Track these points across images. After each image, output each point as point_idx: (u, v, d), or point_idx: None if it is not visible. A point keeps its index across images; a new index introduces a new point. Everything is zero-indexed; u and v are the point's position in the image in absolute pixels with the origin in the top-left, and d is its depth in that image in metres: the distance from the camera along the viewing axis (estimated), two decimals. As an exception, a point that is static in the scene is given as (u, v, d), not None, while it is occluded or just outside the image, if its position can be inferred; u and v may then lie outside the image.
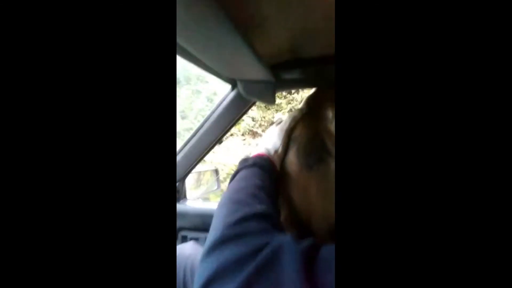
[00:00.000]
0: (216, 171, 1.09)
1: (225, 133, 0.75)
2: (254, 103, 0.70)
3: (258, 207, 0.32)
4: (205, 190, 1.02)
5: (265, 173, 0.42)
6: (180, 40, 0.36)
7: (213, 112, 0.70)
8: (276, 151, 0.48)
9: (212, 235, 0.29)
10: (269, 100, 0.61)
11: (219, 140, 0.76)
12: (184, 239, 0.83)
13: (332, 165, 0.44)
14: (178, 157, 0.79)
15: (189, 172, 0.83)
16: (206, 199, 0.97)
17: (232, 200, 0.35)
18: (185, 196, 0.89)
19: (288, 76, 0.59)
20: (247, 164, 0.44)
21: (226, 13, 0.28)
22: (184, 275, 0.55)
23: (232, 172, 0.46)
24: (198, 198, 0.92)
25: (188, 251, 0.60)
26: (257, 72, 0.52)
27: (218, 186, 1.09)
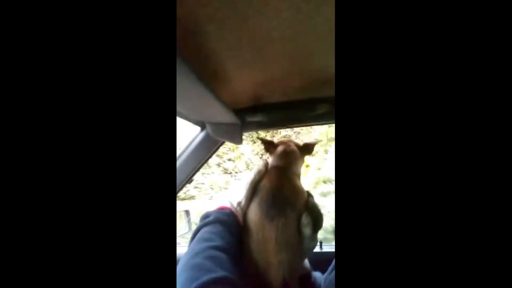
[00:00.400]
0: (187, 213, 1.06)
1: (195, 172, 0.76)
2: (222, 143, 0.73)
3: (218, 273, 0.33)
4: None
5: (226, 228, 0.44)
6: None
7: (182, 152, 0.72)
8: (239, 203, 0.50)
9: None
10: (236, 140, 0.65)
11: (189, 180, 0.76)
12: None
13: (292, 217, 0.47)
14: None
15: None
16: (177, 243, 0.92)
17: (191, 266, 0.35)
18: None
19: (253, 118, 0.64)
20: (208, 220, 0.45)
21: (189, 67, 0.32)
22: None
23: None
24: None
25: None
26: (223, 115, 0.57)
27: (189, 229, 1.04)
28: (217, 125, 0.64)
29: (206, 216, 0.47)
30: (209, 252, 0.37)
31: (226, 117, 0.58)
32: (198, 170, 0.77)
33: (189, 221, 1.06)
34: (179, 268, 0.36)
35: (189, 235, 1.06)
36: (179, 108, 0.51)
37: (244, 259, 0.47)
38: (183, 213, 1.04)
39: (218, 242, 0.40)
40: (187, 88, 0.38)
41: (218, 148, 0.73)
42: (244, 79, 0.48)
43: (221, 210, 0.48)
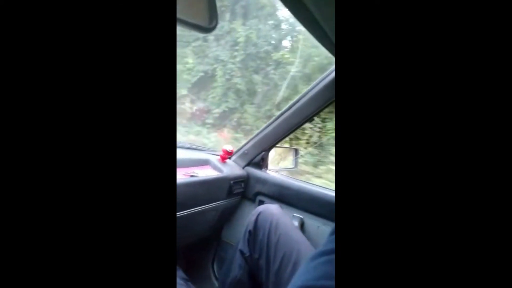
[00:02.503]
0: (296, 151, 1.13)
1: (318, 112, 0.76)
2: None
3: None
4: (283, 166, 1.07)
5: None
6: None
7: (314, 86, 0.72)
8: None
9: None
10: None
11: (311, 119, 0.78)
12: (261, 203, 0.91)
13: None
14: (268, 129, 0.86)
15: (276, 144, 0.90)
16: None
17: None
18: (267, 166, 0.96)
19: None
20: None
21: None
22: (270, 229, 0.63)
23: None
24: (277, 171, 0.99)
25: (274, 211, 0.68)
26: None
27: (295, 166, 1.13)
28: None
29: None
30: None
31: None
32: (324, 107, 0.76)
33: (296, 159, 1.14)
34: None
35: (294, 171, 1.16)
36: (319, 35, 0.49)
37: None
38: (293, 151, 1.13)
39: None
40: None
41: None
42: None
43: None
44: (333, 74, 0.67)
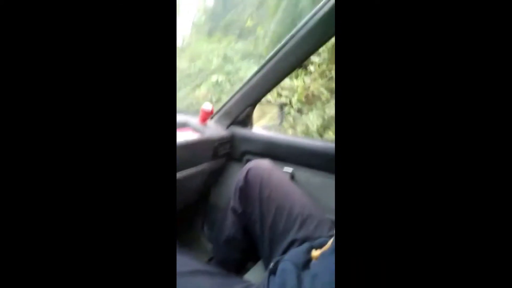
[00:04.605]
0: (281, 107, 1.07)
1: (311, 54, 0.67)
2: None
3: None
4: (268, 122, 1.01)
5: None
6: None
7: (301, 27, 0.62)
8: None
9: None
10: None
11: (301, 64, 0.69)
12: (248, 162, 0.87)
13: None
14: (250, 83, 0.76)
15: (261, 97, 0.82)
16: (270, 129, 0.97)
17: None
18: (252, 123, 0.90)
19: None
20: None
21: None
22: (261, 183, 0.60)
23: None
24: (263, 128, 0.93)
25: (264, 165, 0.64)
26: None
27: (281, 121, 1.08)
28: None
29: None
30: None
31: None
32: (314, 52, 0.68)
33: (282, 114, 1.08)
34: None
35: (280, 127, 1.11)
36: None
37: None
38: (278, 107, 1.06)
39: None
40: None
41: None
42: None
43: None
44: (329, 5, 0.57)
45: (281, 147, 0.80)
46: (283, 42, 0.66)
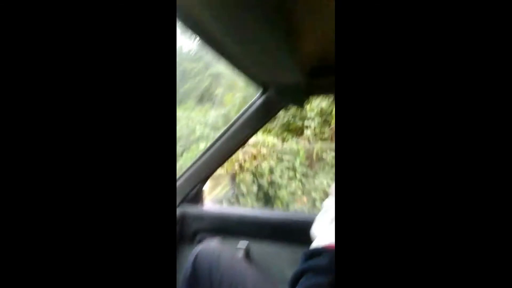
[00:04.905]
0: (233, 177, 1.10)
1: (250, 137, 0.76)
2: (282, 108, 0.71)
3: None
4: (221, 195, 1.01)
5: None
6: (227, 41, 0.38)
7: (240, 115, 0.72)
8: None
9: None
10: (300, 103, 0.62)
11: (243, 145, 0.77)
12: (201, 242, 0.82)
13: None
14: (201, 160, 0.80)
15: (210, 175, 0.84)
16: (231, 203, 0.97)
17: None
18: (202, 199, 0.88)
19: (319, 82, 0.60)
20: (319, 265, 0.34)
21: (273, 19, 0.30)
22: (210, 268, 0.57)
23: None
24: (219, 203, 0.92)
25: (213, 248, 0.62)
26: (290, 75, 0.54)
27: (234, 192, 1.09)
28: (282, 87, 0.61)
29: (314, 253, 0.35)
30: None
31: (293, 78, 0.55)
32: (252, 135, 0.77)
33: (234, 184, 1.10)
34: None
35: (233, 197, 1.11)
36: (250, 65, 0.49)
37: None
38: (230, 177, 1.09)
39: None
40: (264, 43, 0.36)
41: (277, 113, 0.71)
42: (314, 38, 0.44)
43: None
44: (261, 100, 0.68)
45: (234, 221, 0.78)
46: (228, 125, 0.74)
